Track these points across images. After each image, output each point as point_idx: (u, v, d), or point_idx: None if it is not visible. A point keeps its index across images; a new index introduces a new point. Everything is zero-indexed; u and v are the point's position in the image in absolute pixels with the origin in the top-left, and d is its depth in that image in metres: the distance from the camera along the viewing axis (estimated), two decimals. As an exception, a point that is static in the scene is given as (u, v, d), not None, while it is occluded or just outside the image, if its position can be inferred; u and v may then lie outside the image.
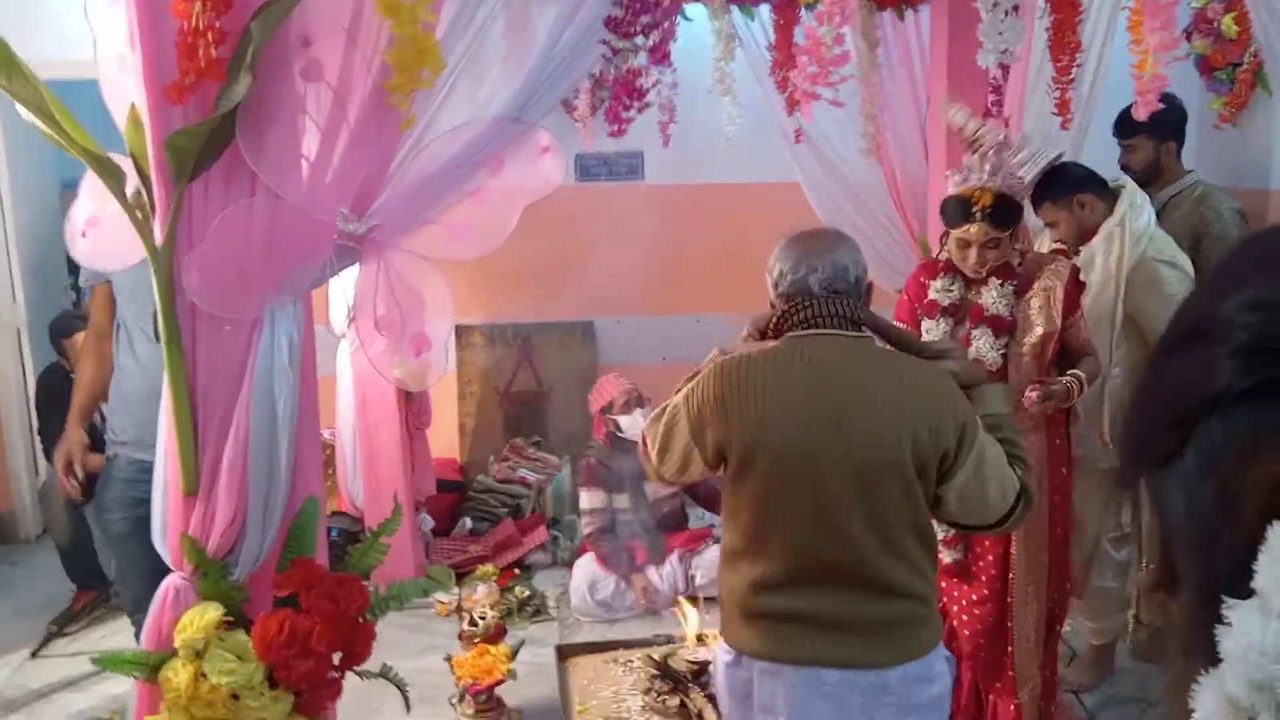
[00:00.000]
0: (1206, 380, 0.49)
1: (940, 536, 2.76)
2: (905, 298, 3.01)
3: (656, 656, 3.43)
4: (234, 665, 1.79)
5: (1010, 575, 2.85)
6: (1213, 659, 0.49)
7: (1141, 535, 3.34)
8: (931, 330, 2.86)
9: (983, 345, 2.79)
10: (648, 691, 3.35)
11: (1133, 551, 3.36)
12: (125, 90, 1.77)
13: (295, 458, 1.84)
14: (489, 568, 4.30)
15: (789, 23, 3.93)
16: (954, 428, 1.83)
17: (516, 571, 4.47)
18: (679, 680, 3.32)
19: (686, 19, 4.04)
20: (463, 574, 4.31)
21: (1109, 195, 3.26)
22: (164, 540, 1.87)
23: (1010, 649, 2.87)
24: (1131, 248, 3.14)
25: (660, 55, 3.99)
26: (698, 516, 4.52)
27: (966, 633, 2.90)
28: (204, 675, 1.78)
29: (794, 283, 1.93)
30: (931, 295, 2.89)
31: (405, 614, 4.11)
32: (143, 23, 1.62)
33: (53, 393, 4.23)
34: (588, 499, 4.24)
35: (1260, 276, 0.51)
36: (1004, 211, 2.72)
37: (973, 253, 2.75)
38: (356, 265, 1.92)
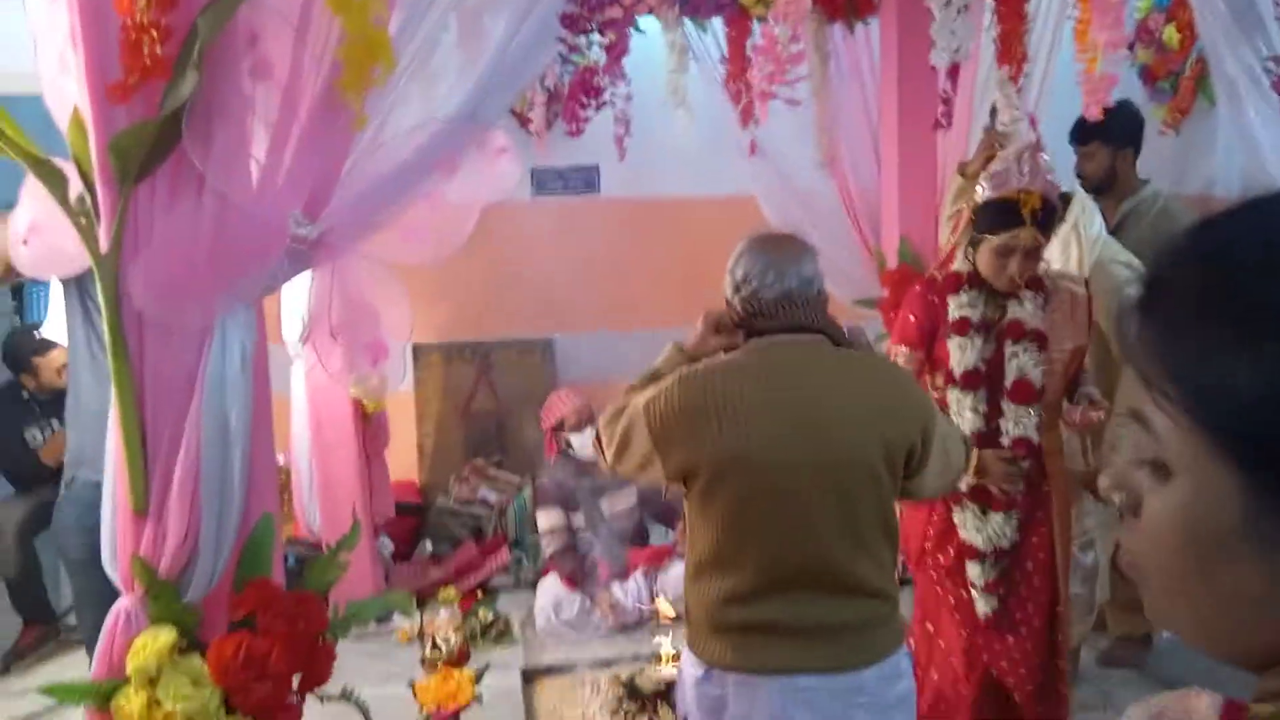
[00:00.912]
0: None
1: (979, 582, 2.64)
2: (912, 319, 2.72)
3: (624, 677, 3.38)
4: (189, 691, 1.71)
5: (1056, 610, 2.69)
6: None
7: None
8: (965, 349, 2.62)
9: (1026, 362, 2.58)
10: (615, 712, 3.29)
11: (1099, 556, 3.37)
12: (67, 92, 1.71)
13: (250, 473, 1.78)
14: (451, 591, 4.22)
15: (741, 35, 3.95)
16: (918, 421, 1.87)
17: (479, 594, 4.39)
18: (647, 700, 3.27)
19: (639, 31, 4.04)
20: (424, 599, 4.22)
21: (1064, 200, 3.30)
22: (114, 562, 1.80)
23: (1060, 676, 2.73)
24: (1089, 251, 3.17)
25: (614, 68, 4.01)
26: (660, 534, 4.48)
27: (1017, 685, 2.68)
28: (158, 702, 1.70)
29: (758, 291, 1.90)
30: (958, 312, 2.62)
31: (365, 641, 4.01)
32: (84, 19, 1.56)
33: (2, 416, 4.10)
34: (545, 519, 4.19)
35: None
36: (1050, 215, 2.54)
37: (1015, 261, 2.52)
38: (311, 277, 1.88)
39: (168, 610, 1.75)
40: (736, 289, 1.94)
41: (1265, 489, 0.55)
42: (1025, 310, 2.58)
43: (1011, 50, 3.44)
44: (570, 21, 1.61)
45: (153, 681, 1.71)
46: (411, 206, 1.76)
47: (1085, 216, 3.28)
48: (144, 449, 1.71)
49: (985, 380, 2.62)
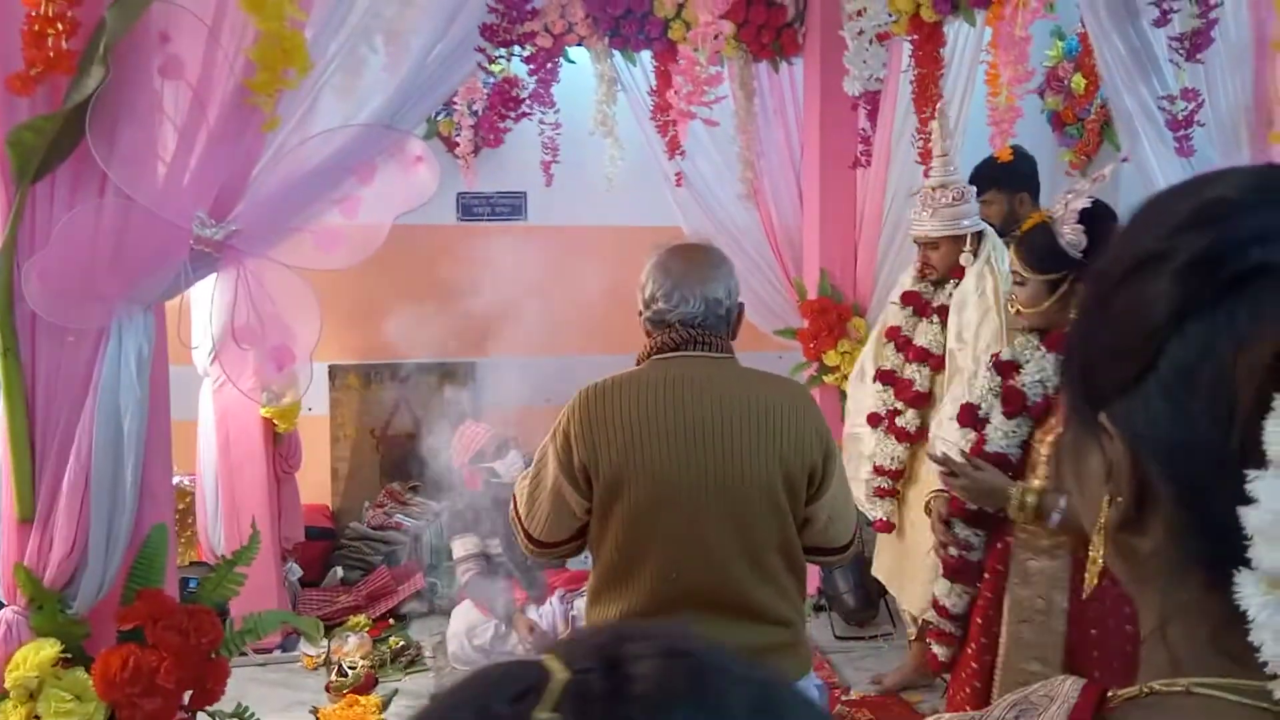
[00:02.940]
0: (1154, 306, 0.54)
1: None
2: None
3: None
4: (71, 705, 1.65)
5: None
6: (1209, 564, 0.52)
7: None
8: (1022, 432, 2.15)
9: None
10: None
11: None
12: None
13: (143, 481, 1.73)
14: (361, 618, 4.13)
15: (669, 68, 4.01)
16: (819, 442, 1.84)
17: (391, 621, 4.29)
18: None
19: (570, 61, 4.08)
20: (333, 626, 4.11)
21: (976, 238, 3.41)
22: (-5, 572, 1.72)
23: None
24: (1003, 282, 3.28)
25: (544, 96, 4.04)
26: (580, 559, 4.45)
27: None
28: (38, 718, 1.63)
29: (662, 311, 1.89)
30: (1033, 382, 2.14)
31: (269, 668, 3.89)
32: (-15, 9, 1.53)
33: None
34: (460, 546, 4.14)
35: (1175, 205, 0.57)
36: None
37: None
38: (216, 284, 1.84)
39: (52, 622, 1.68)
40: (646, 304, 1.92)
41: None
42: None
43: (927, 92, 3.56)
44: (490, 33, 1.61)
45: (33, 696, 1.64)
46: (325, 212, 1.74)
47: (996, 252, 3.40)
48: (32, 453, 1.65)
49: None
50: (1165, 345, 0.54)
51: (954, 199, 3.25)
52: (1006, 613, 2.12)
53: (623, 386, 1.85)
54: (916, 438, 3.30)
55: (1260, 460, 0.49)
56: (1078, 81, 4.20)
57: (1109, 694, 0.64)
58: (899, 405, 3.36)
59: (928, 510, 2.31)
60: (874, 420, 3.45)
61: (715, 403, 1.82)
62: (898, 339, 3.43)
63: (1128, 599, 0.64)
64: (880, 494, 3.40)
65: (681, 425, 1.80)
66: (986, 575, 2.17)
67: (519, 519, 1.94)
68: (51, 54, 1.50)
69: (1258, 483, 0.48)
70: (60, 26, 1.49)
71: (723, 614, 1.82)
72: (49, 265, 1.60)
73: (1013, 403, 2.14)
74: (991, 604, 2.14)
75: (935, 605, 2.31)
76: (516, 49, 1.68)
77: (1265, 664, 0.48)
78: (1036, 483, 2.08)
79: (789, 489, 1.82)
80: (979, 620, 2.17)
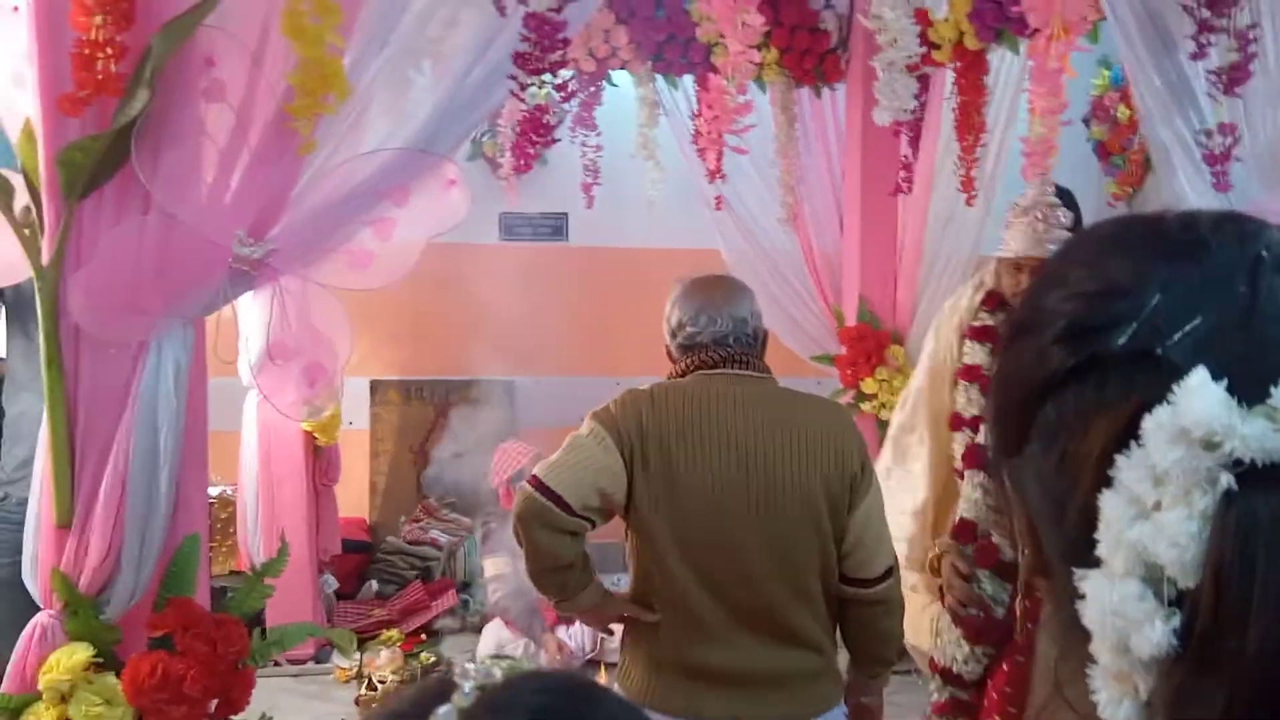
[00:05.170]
0: (1036, 367, 0.54)
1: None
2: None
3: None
4: (101, 709, 1.68)
5: None
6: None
7: None
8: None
9: None
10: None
11: None
12: (20, 107, 1.73)
13: (178, 491, 1.77)
14: (393, 632, 4.17)
15: (702, 95, 4.04)
16: (857, 457, 1.86)
17: (423, 637, 4.34)
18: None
19: (612, 85, 4.13)
20: (366, 639, 4.16)
21: None
22: (34, 576, 1.77)
23: None
24: None
25: (586, 118, 4.09)
26: (613, 582, 4.45)
27: None
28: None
29: (692, 334, 1.92)
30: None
31: (302, 680, 3.95)
32: (40, 34, 1.59)
33: None
34: (492, 565, 4.16)
35: (1075, 271, 0.56)
36: None
37: None
38: (263, 310, 1.88)
39: (85, 627, 1.72)
40: (673, 334, 1.96)
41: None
42: None
43: (970, 121, 3.55)
44: (523, 60, 1.65)
45: (64, 698, 1.68)
46: (359, 232, 1.78)
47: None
48: (71, 462, 1.69)
49: None
50: (1036, 415, 0.53)
51: (1060, 221, 3.02)
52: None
53: (669, 392, 1.86)
54: None
55: (1092, 552, 0.47)
56: (1123, 111, 4.16)
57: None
58: None
59: (934, 568, 2.08)
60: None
61: (758, 420, 1.83)
62: (981, 379, 2.89)
63: None
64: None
65: (724, 440, 1.81)
66: (1018, 638, 1.89)
67: (536, 482, 1.80)
68: (100, 77, 1.55)
69: (1088, 581, 0.47)
70: (109, 51, 1.54)
71: (759, 634, 1.82)
72: (93, 280, 1.66)
73: None
74: (1023, 671, 1.86)
75: (941, 671, 2.07)
76: (548, 76, 1.70)
77: None
78: None
79: (831, 509, 1.82)
80: (1008, 690, 1.94)
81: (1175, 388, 0.45)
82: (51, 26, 1.59)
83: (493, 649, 4.00)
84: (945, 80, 3.66)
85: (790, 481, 1.80)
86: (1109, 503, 0.47)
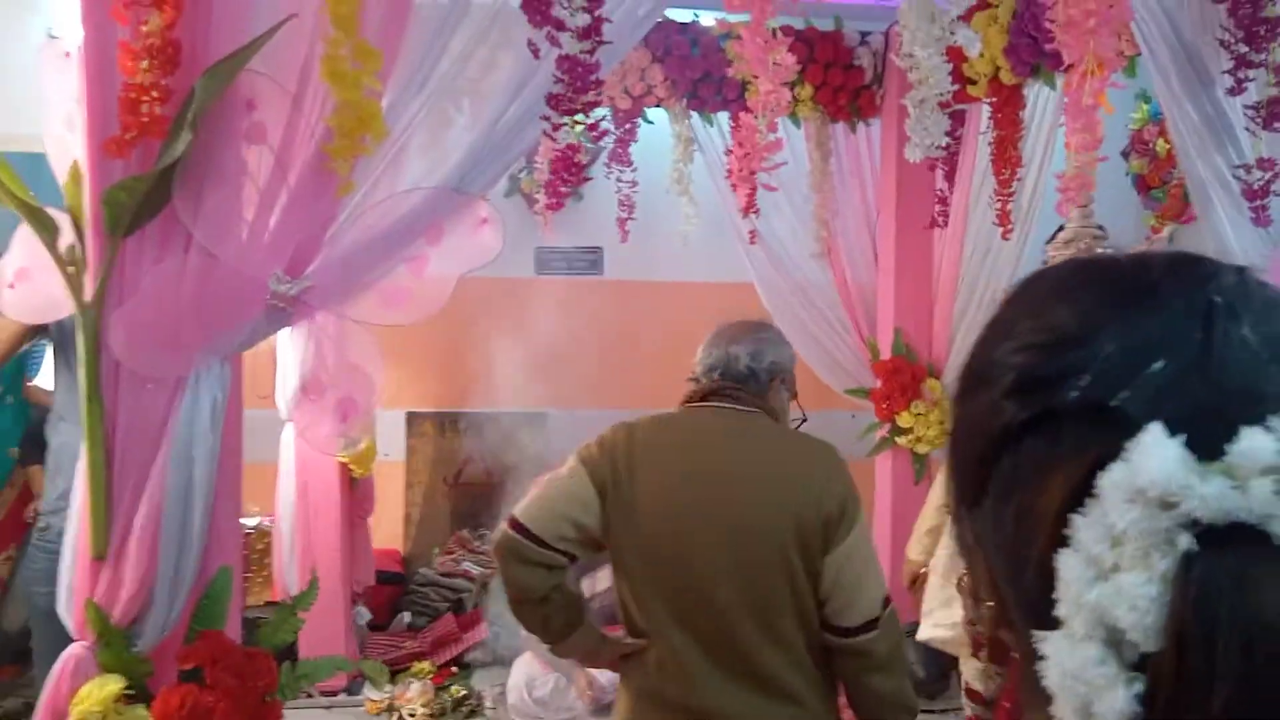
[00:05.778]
0: (990, 420, 0.52)
1: None
2: None
3: (592, 759, 3.31)
4: (131, 742, 1.70)
5: None
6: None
7: None
8: None
9: None
10: (582, 796, 3.22)
11: None
12: (70, 150, 1.78)
13: (211, 525, 1.79)
14: (425, 665, 4.16)
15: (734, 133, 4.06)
16: (836, 500, 1.76)
17: (454, 670, 4.32)
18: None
19: (648, 121, 4.16)
20: (398, 671, 4.16)
21: None
22: (69, 607, 1.80)
23: None
24: None
25: (621, 154, 4.12)
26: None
27: None
28: (98, 752, 1.68)
29: (693, 368, 1.98)
30: None
31: (333, 712, 3.95)
32: (89, 78, 1.64)
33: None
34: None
35: (1023, 322, 0.54)
36: None
37: None
38: (299, 346, 1.91)
39: (117, 659, 1.74)
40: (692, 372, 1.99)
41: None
42: None
43: (1006, 156, 3.53)
44: (556, 101, 1.67)
45: (96, 730, 1.70)
46: (393, 270, 1.81)
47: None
48: (109, 495, 1.72)
49: None
50: (992, 469, 0.52)
51: (1104, 253, 3.10)
52: None
53: (652, 422, 1.89)
54: None
55: (1052, 612, 0.46)
56: (1162, 145, 4.12)
57: None
58: None
59: (959, 586, 2.14)
60: None
61: (734, 452, 1.82)
62: None
63: None
64: None
65: (691, 469, 1.80)
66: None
67: (510, 518, 1.81)
68: (145, 119, 1.60)
69: (1048, 642, 0.46)
70: (154, 94, 1.59)
71: (734, 676, 1.76)
72: (134, 316, 1.69)
73: None
74: None
75: (966, 689, 2.15)
76: (581, 115, 1.72)
77: None
78: None
79: (801, 547, 1.74)
80: (1014, 707, 1.99)
81: (1128, 445, 0.44)
82: (101, 71, 1.64)
83: (523, 683, 3.97)
84: (981, 114, 3.65)
85: (757, 514, 1.76)
86: (1066, 563, 0.45)
